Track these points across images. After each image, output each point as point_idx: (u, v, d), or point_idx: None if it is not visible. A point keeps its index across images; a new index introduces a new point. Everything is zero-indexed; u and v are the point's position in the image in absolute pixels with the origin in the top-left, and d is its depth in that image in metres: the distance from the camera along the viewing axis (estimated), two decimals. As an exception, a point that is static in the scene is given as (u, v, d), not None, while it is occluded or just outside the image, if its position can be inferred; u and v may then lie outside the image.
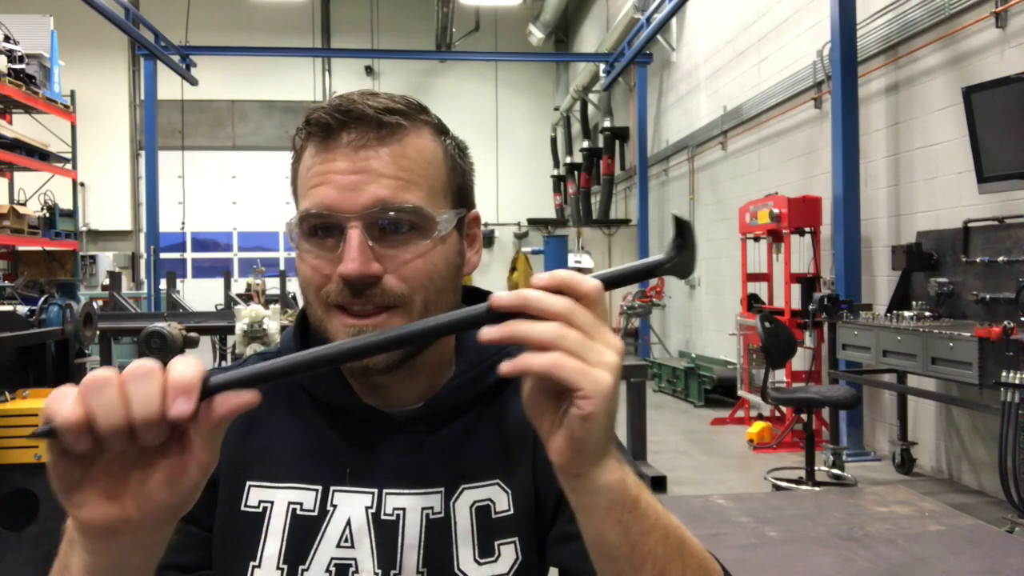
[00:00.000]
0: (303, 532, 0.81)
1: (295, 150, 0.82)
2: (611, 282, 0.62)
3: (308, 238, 0.78)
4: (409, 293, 0.77)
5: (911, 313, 4.87)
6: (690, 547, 0.65)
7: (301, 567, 0.80)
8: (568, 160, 14.64)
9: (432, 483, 0.83)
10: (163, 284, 9.67)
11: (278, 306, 5.51)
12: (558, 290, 0.59)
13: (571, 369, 0.56)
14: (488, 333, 0.58)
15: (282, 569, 0.80)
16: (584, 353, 0.57)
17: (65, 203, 9.93)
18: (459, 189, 0.84)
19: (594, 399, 0.57)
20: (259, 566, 0.80)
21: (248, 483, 0.83)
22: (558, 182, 15.46)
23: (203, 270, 16.32)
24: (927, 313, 4.92)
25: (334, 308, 0.78)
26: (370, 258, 0.75)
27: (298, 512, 0.82)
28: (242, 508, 0.82)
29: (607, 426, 0.59)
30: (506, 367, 0.58)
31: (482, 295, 0.97)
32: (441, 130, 0.84)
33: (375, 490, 0.83)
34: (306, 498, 0.82)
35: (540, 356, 0.57)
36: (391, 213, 0.76)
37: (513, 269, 12.18)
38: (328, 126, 0.78)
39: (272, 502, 0.82)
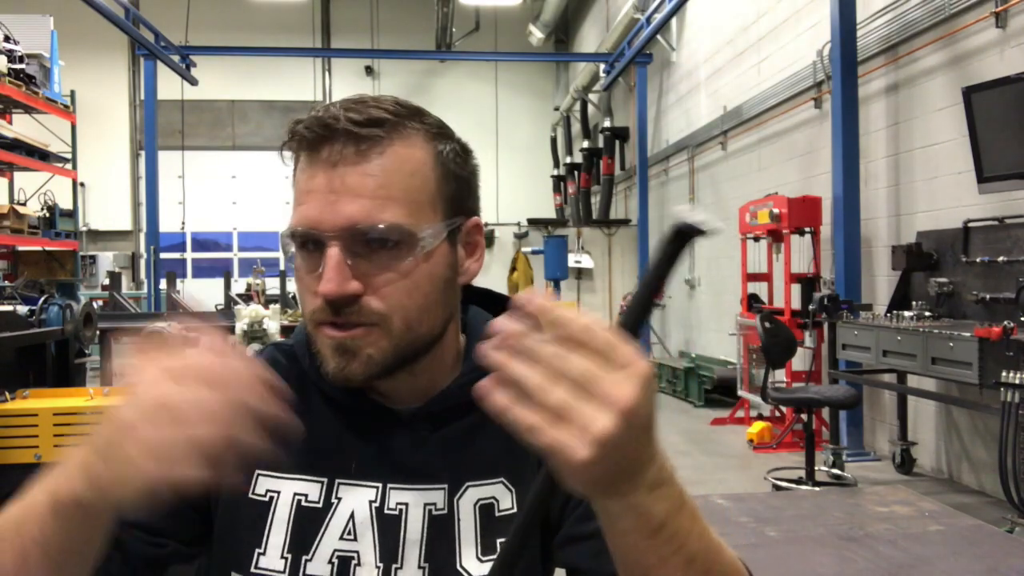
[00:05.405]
0: (307, 523, 0.82)
1: (293, 159, 0.82)
2: (632, 319, 0.54)
3: (299, 251, 0.79)
4: (388, 312, 0.77)
5: (911, 313, 4.87)
6: (717, 568, 0.63)
7: (304, 557, 0.81)
8: (568, 160, 14.63)
9: (435, 479, 0.84)
10: (163, 284, 9.66)
11: (278, 306, 5.50)
12: (548, 325, 0.52)
13: (546, 439, 0.51)
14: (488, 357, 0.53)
15: (286, 558, 0.81)
16: (567, 415, 0.50)
17: (65, 203, 9.93)
18: (452, 198, 0.82)
19: (569, 473, 0.52)
20: (264, 553, 0.81)
21: (257, 471, 0.84)
22: (558, 182, 15.45)
23: (203, 270, 16.31)
24: (927, 313, 4.92)
25: (319, 324, 0.79)
26: (347, 277, 0.75)
27: (303, 503, 0.83)
28: (249, 496, 0.83)
29: (599, 478, 0.53)
30: (484, 391, 0.52)
31: (486, 295, 0.96)
32: (438, 134, 0.82)
33: (379, 484, 0.83)
34: (311, 490, 0.83)
35: (518, 413, 0.51)
36: (367, 231, 0.76)
37: (513, 269, 12.18)
38: (309, 140, 0.78)
39: (279, 492, 0.83)
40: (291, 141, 0.80)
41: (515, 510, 0.84)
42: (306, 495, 0.83)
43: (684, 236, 0.54)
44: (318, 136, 0.77)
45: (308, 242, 0.78)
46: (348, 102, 0.79)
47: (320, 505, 0.82)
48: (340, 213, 0.75)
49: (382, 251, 0.77)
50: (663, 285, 0.55)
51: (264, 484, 0.84)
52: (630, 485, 0.55)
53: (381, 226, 0.76)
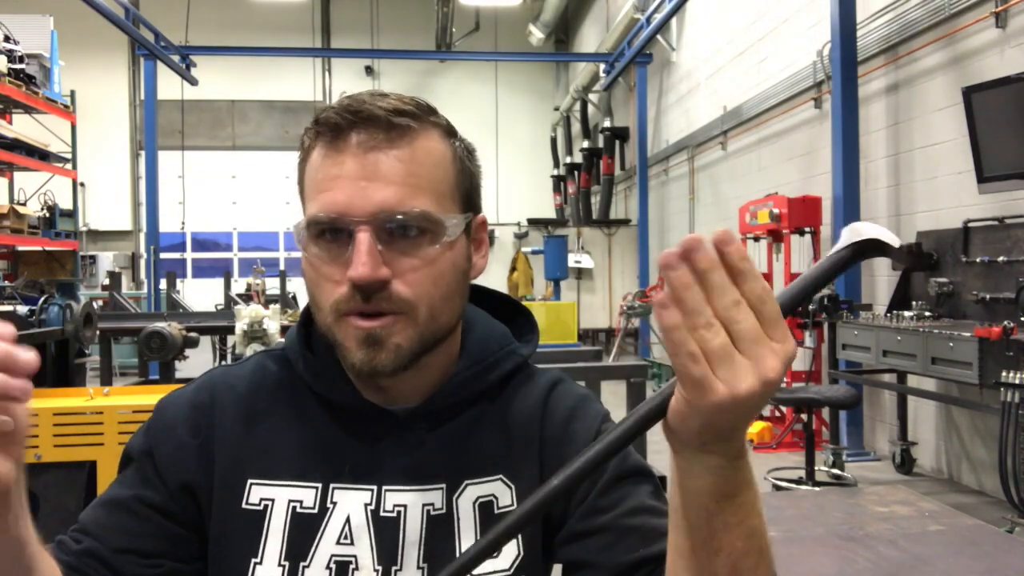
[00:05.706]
0: (304, 530, 0.81)
1: (302, 149, 0.82)
2: (790, 304, 0.57)
3: (316, 241, 0.78)
4: (415, 300, 0.77)
5: (911, 313, 4.87)
6: (767, 550, 0.65)
7: (302, 564, 0.80)
8: (568, 160, 14.64)
9: (433, 479, 0.83)
10: (163, 284, 9.67)
11: (278, 306, 5.50)
12: (728, 268, 0.54)
13: (698, 373, 0.53)
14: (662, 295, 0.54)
15: (284, 566, 0.80)
16: (718, 365, 0.53)
17: (65, 203, 9.93)
18: (467, 193, 0.84)
19: (695, 411, 0.55)
20: (261, 563, 0.81)
21: (249, 481, 0.83)
22: (558, 182, 15.46)
23: (203, 270, 16.33)
24: (927, 313, 4.91)
25: (344, 315, 0.78)
26: (379, 262, 0.75)
27: (298, 510, 0.82)
28: (243, 506, 0.82)
29: (713, 426, 0.56)
30: (659, 304, 0.54)
31: (477, 291, 0.96)
32: (450, 132, 0.84)
33: (374, 487, 0.83)
34: (306, 496, 0.82)
35: (685, 336, 0.53)
36: (399, 218, 0.76)
37: (513, 269, 12.19)
38: (338, 126, 0.77)
39: (273, 500, 0.83)
40: (318, 126, 0.79)
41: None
42: (301, 501, 0.82)
43: (866, 251, 0.58)
44: (349, 121, 0.77)
45: (328, 230, 0.77)
46: (371, 94, 0.80)
47: (315, 511, 0.82)
48: (372, 199, 0.75)
49: (409, 239, 0.77)
50: (829, 284, 0.59)
51: (257, 493, 0.83)
52: (723, 447, 0.58)
53: (414, 211, 0.76)
